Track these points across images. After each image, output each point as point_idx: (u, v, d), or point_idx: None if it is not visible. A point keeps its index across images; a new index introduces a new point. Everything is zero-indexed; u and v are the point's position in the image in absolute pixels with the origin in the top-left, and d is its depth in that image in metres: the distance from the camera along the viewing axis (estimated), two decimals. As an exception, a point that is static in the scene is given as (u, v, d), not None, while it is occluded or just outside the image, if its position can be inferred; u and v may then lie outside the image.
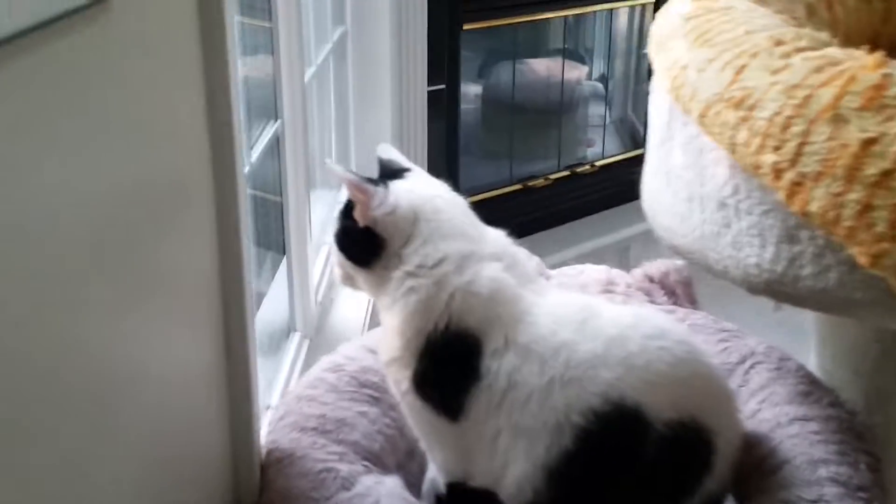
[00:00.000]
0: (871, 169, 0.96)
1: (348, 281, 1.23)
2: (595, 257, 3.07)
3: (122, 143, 0.74)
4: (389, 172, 1.23)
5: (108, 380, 0.71)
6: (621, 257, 3.25)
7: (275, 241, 1.78)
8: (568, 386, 1.05)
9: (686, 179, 1.23)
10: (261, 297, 1.72)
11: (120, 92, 0.73)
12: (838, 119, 0.99)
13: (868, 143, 0.97)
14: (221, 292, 1.04)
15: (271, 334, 1.73)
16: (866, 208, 0.96)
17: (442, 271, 1.11)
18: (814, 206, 1.01)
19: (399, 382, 1.15)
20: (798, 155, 1.01)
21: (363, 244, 1.15)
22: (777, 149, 1.03)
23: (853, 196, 0.97)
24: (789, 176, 1.02)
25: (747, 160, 1.06)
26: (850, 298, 1.05)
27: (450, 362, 1.11)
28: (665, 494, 1.07)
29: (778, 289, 1.12)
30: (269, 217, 1.76)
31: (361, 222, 1.14)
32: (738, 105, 1.07)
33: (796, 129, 1.02)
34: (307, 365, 1.67)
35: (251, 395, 1.12)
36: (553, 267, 2.04)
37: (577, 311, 1.11)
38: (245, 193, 1.07)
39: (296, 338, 1.78)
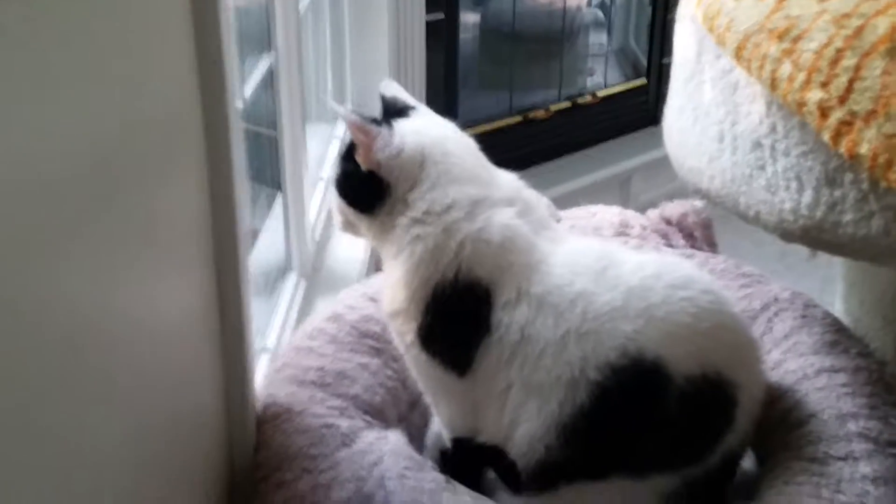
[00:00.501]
0: (931, 108, 0.88)
1: (349, 228, 1.16)
2: (596, 190, 3.06)
3: (105, 81, 0.69)
4: (393, 111, 1.16)
5: (93, 331, 0.68)
6: (622, 190, 3.22)
7: (270, 176, 1.72)
8: (584, 339, 1.00)
9: (716, 117, 1.15)
10: (256, 234, 1.66)
11: (102, 26, 0.68)
12: (895, 52, 0.90)
13: (928, 78, 0.88)
14: (214, 238, 0.99)
15: (267, 274, 1.67)
16: (923, 151, 0.88)
17: (451, 218, 1.05)
18: (864, 149, 0.93)
19: (404, 335, 1.10)
20: (848, 92, 0.93)
21: (366, 189, 1.09)
22: (824, 85, 0.95)
23: (909, 138, 0.89)
24: (837, 115, 0.94)
25: (790, 97, 0.98)
26: (895, 247, 0.98)
27: (458, 315, 1.05)
28: (685, 452, 1.03)
29: (815, 235, 1.05)
30: (264, 152, 1.70)
31: (364, 166, 1.08)
32: (781, 36, 0.99)
33: (847, 62, 0.94)
34: (304, 306, 1.64)
35: (245, 347, 1.07)
36: (554, 201, 1.98)
37: (596, 260, 1.06)
38: (238, 133, 1.01)
39: (292, 278, 1.73)
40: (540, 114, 2.97)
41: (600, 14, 3.42)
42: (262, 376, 1.26)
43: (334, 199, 1.15)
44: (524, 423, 1.03)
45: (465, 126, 1.07)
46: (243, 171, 1.02)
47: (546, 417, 1.01)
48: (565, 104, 3.05)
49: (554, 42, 3.09)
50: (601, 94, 3.14)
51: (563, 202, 1.72)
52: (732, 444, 1.05)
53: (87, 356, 0.66)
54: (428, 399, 1.16)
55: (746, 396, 1.04)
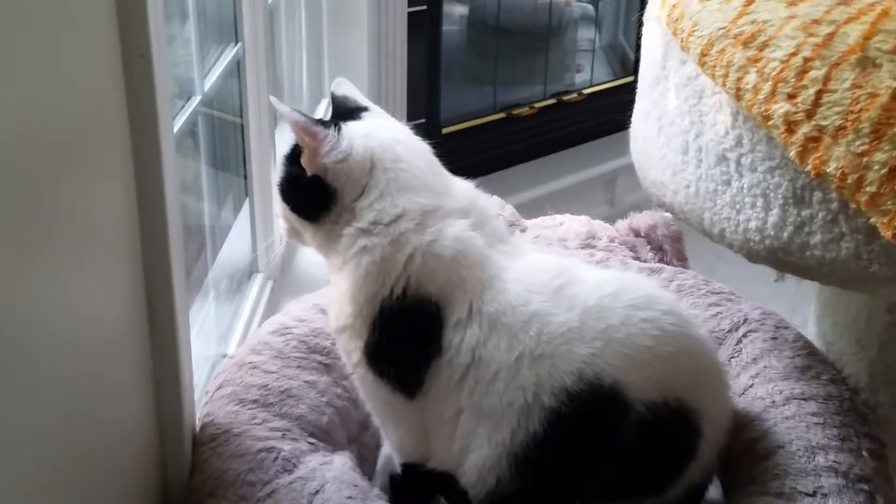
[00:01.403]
0: (904, 125, 0.81)
1: (294, 235, 1.11)
2: (580, 190, 3.01)
3: (20, 75, 0.66)
4: (344, 112, 1.11)
5: (5, 340, 0.64)
6: (607, 190, 3.18)
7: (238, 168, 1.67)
8: (538, 363, 0.96)
9: (681, 127, 1.09)
10: (225, 230, 1.64)
11: (10, 17, 0.65)
12: (866, 62, 0.85)
13: (901, 93, 0.82)
14: (142, 240, 0.93)
15: (232, 275, 1.64)
16: (895, 172, 0.82)
17: (399, 229, 1.00)
18: (831, 167, 0.86)
19: (350, 353, 1.05)
20: (816, 105, 0.87)
21: (311, 195, 1.03)
22: (791, 97, 0.89)
23: (880, 157, 0.84)
24: (804, 129, 0.88)
25: (755, 109, 0.92)
26: (865, 272, 0.93)
27: (407, 333, 1.00)
28: (645, 484, 0.99)
29: (781, 257, 0.99)
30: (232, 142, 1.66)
31: (309, 170, 1.02)
32: (746, 42, 0.93)
33: (815, 73, 0.88)
34: (270, 309, 1.60)
35: (178, 359, 1.01)
36: (536, 201, 1.92)
37: (553, 277, 1.01)
38: (169, 129, 0.95)
39: (258, 279, 1.69)
40: (524, 111, 2.93)
41: (590, 8, 3.37)
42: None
43: (277, 204, 1.10)
44: (474, 451, 0.99)
45: (446, 122, 1.01)
46: (174, 171, 0.96)
47: (497, 445, 0.97)
48: (551, 101, 3.01)
49: (541, 37, 3.05)
50: (588, 91, 3.10)
51: (544, 203, 1.67)
52: (695, 476, 1.01)
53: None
54: (376, 421, 1.12)
55: (710, 426, 1.00)
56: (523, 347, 0.96)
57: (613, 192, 3.21)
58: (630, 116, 1.31)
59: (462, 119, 2.71)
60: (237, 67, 1.57)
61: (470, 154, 2.68)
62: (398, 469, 1.12)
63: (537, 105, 2.96)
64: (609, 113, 3.13)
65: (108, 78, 0.84)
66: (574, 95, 3.06)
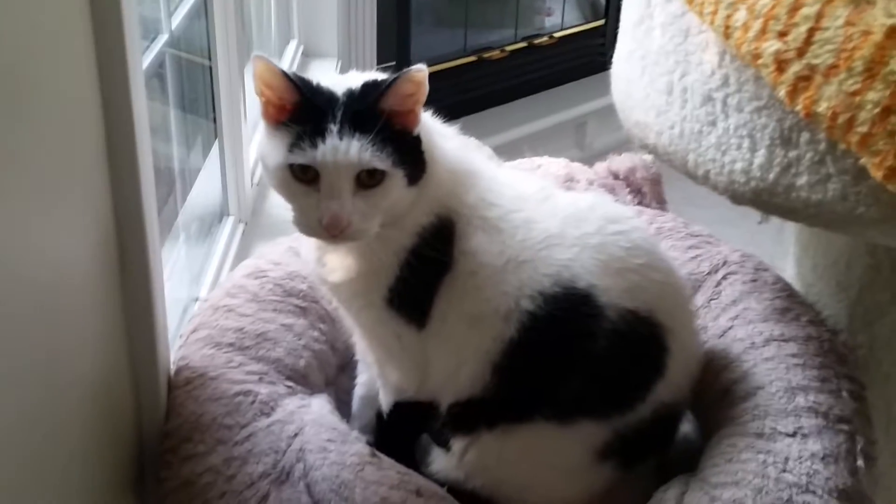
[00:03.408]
0: (898, 64, 0.80)
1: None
2: (550, 135, 2.99)
3: None
4: None
5: None
6: (577, 135, 3.17)
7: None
8: (521, 268, 0.99)
9: (666, 66, 1.07)
10: (195, 173, 1.61)
11: None
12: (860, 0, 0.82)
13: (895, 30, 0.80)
14: (111, 176, 0.90)
15: (202, 217, 1.62)
16: (887, 111, 0.81)
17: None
18: (822, 107, 0.85)
19: (363, 296, 1.03)
20: (808, 43, 0.85)
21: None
22: (782, 35, 0.87)
23: (872, 96, 0.82)
24: (795, 68, 0.86)
25: (744, 47, 0.90)
26: (852, 214, 0.92)
27: (430, 258, 1.00)
28: (613, 394, 1.01)
29: (767, 199, 0.98)
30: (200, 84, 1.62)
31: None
32: (736, -22, 0.90)
33: (807, 10, 0.86)
34: (241, 252, 1.59)
35: (152, 301, 0.98)
36: (507, 146, 1.90)
37: (539, 189, 1.06)
38: (137, 59, 0.91)
39: (229, 222, 1.66)
40: (495, 54, 2.91)
41: (561, -49, 3.33)
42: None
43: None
44: (465, 365, 1.00)
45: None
46: (144, 108, 0.93)
47: (483, 352, 0.99)
48: (521, 44, 3.00)
49: (511, -21, 3.02)
50: (558, 34, 3.08)
51: (515, 147, 1.65)
52: (664, 398, 1.02)
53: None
54: (378, 363, 1.10)
55: (678, 344, 1.02)
56: (510, 252, 0.99)
57: (584, 137, 3.20)
58: (601, 60, 1.29)
59: (433, 61, 2.68)
60: (204, 6, 1.52)
61: (440, 97, 2.65)
62: (385, 408, 1.11)
63: (508, 48, 2.94)
64: (580, 57, 3.12)
65: (75, 13, 0.81)
66: (545, 39, 3.04)
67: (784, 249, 1.37)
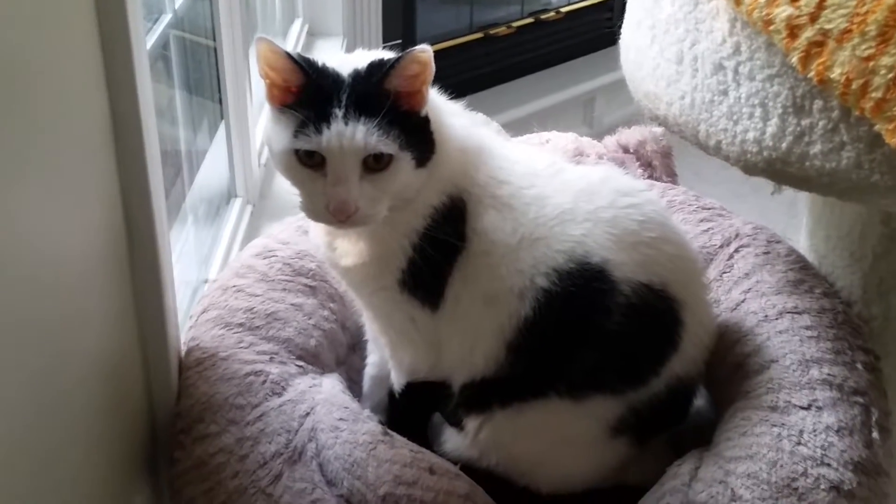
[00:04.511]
0: (913, 27, 0.78)
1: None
2: (558, 111, 2.98)
3: None
4: None
5: None
6: (586, 111, 3.15)
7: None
8: (535, 245, 0.98)
9: (676, 35, 1.05)
10: (201, 155, 1.60)
11: None
12: None
13: (910, -7, 0.79)
14: (118, 163, 0.89)
15: (210, 199, 1.61)
16: (902, 77, 0.79)
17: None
18: (835, 73, 0.83)
19: (375, 280, 1.02)
20: (820, 8, 0.84)
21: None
22: (794, 0, 0.84)
23: (886, 60, 0.80)
24: (807, 34, 0.85)
25: (755, 13, 0.88)
26: (866, 182, 0.91)
27: (443, 239, 0.99)
28: (627, 369, 1.00)
29: (780, 168, 0.97)
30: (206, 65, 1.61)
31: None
32: (747, -56, 0.88)
33: (820, -26, 0.83)
34: (249, 234, 1.59)
35: (162, 282, 0.98)
36: (514, 122, 1.89)
37: (549, 164, 1.05)
38: (141, 42, 0.90)
39: (237, 204, 1.66)
40: (501, 30, 2.89)
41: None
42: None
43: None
44: (481, 343, 1.00)
45: (422, 43, 0.96)
46: (149, 88, 0.92)
47: (497, 330, 0.98)
48: (528, 20, 2.96)
49: (517, -50, 3.00)
50: (565, 9, 3.04)
51: (523, 124, 1.64)
52: (678, 371, 1.02)
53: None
54: (390, 345, 1.10)
55: (692, 317, 1.01)
56: (524, 230, 0.98)
57: (592, 113, 3.18)
58: (608, 34, 1.27)
59: (439, 39, 2.67)
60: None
61: (447, 75, 2.64)
62: (397, 389, 1.11)
63: (515, 24, 2.91)
64: (587, 31, 3.09)
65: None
66: (552, 14, 3.01)
67: (796, 222, 1.36)
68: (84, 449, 0.83)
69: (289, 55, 0.91)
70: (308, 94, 0.92)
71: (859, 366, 1.04)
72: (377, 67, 0.93)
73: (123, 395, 0.95)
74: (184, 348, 1.09)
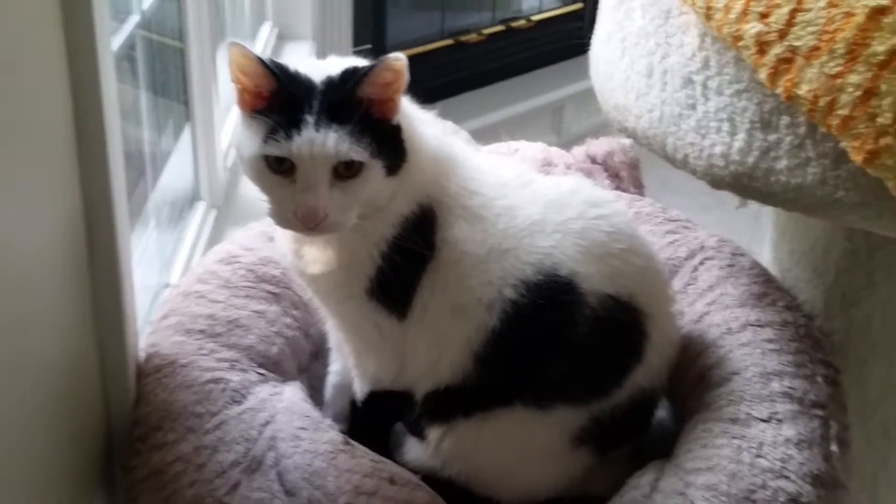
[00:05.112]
0: (880, 46, 0.80)
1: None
2: (527, 119, 2.98)
3: None
4: None
5: None
6: (554, 120, 3.16)
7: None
8: (504, 256, 0.98)
9: (646, 48, 1.06)
10: (166, 157, 1.58)
11: None
12: None
13: (878, 12, 0.80)
14: (79, 155, 0.88)
15: (173, 202, 1.59)
16: (868, 94, 0.80)
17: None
18: (803, 89, 0.84)
19: (343, 288, 1.01)
20: (789, 25, 0.84)
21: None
22: (764, 16, 0.86)
23: (854, 79, 0.81)
24: (776, 50, 0.85)
25: (725, 29, 0.89)
26: (831, 198, 0.91)
27: (411, 248, 0.98)
28: (592, 380, 1.00)
29: (746, 183, 0.97)
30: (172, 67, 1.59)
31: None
32: (717, -41, 0.88)
33: (789, -9, 0.83)
34: (213, 238, 1.57)
35: (120, 285, 0.96)
36: (483, 130, 1.89)
37: (519, 175, 1.06)
38: (107, 48, 0.89)
39: (201, 207, 1.65)
40: (472, 37, 2.89)
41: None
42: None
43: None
44: (446, 354, 1.00)
45: (393, 48, 0.96)
46: (114, 88, 0.91)
47: (464, 344, 0.98)
48: (499, 28, 2.97)
49: (489, -41, 3.01)
50: (536, 17, 3.06)
51: (492, 131, 1.64)
52: (642, 383, 1.02)
53: None
54: (355, 354, 1.08)
55: (657, 330, 1.02)
56: (493, 241, 0.98)
57: (560, 122, 3.19)
58: (579, 44, 1.27)
59: (409, 45, 2.66)
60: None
61: (417, 80, 2.64)
62: (360, 397, 1.10)
63: (485, 31, 2.92)
64: (557, 40, 3.10)
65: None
66: (522, 22, 3.02)
67: (761, 234, 1.37)
68: (37, 456, 0.81)
69: (261, 61, 0.90)
70: (280, 100, 0.91)
71: (820, 379, 1.05)
72: (351, 75, 0.92)
73: (79, 402, 0.93)
74: (143, 354, 1.07)
